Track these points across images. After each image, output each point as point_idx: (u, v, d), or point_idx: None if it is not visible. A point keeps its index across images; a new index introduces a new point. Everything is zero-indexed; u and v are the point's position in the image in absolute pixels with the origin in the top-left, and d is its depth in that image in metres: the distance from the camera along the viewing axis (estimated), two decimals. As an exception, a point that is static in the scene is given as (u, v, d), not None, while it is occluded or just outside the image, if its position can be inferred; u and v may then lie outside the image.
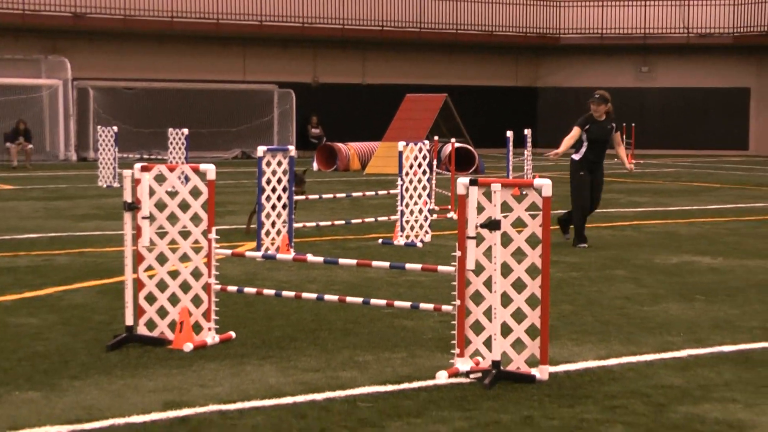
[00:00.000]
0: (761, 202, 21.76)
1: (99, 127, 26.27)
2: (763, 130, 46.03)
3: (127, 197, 8.11)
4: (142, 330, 8.26)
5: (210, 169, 8.18)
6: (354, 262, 8.42)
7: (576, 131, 14.16)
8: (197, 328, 8.25)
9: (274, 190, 13.03)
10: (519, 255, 7.23)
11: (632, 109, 45.04)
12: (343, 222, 16.16)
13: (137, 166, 8.19)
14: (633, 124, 40.20)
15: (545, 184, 7.09)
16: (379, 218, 16.32)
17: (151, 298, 8.34)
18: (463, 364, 7.28)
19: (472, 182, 7.17)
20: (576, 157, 14.31)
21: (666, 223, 17.68)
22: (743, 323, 9.27)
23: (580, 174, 14.26)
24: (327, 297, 8.47)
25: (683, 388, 7.05)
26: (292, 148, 13.29)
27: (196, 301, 8.29)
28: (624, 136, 39.96)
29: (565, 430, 6.06)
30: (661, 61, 47.09)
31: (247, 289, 8.85)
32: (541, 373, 7.13)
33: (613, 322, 9.30)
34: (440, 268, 7.73)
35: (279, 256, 8.90)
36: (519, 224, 7.22)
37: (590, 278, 11.72)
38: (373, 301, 8.31)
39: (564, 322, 9.18)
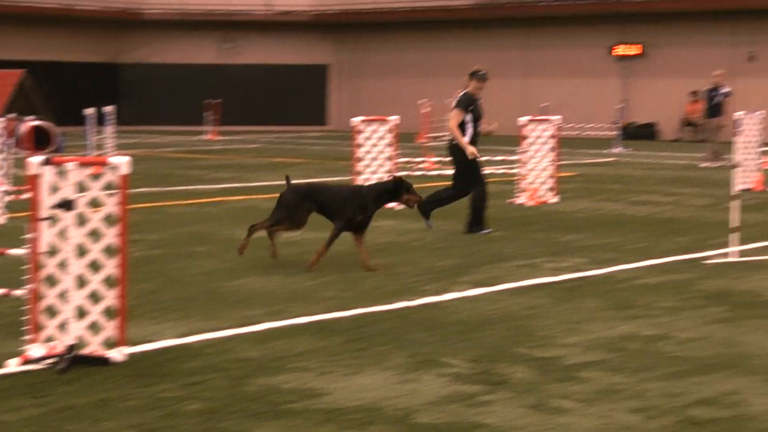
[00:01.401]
0: (340, 175, 22.60)
1: None
2: (341, 106, 47.79)
3: None
4: None
5: None
6: None
7: (460, 114, 13.51)
8: None
9: None
10: (97, 235, 7.09)
11: (215, 85, 45.42)
12: None
13: None
14: (219, 100, 40.55)
15: (122, 162, 6.99)
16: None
17: None
18: (36, 350, 7.04)
19: (45, 161, 6.96)
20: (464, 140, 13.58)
21: (247, 198, 17.97)
22: (319, 294, 9.60)
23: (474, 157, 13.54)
24: None
25: (260, 361, 7.20)
26: None
27: None
28: (206, 114, 40.26)
29: (142, 410, 6.02)
30: (244, 37, 47.71)
31: None
32: (118, 354, 7.04)
33: (194, 298, 9.35)
34: (10, 251, 7.45)
35: None
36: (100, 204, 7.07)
37: (171, 255, 11.71)
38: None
39: (144, 301, 9.11)
